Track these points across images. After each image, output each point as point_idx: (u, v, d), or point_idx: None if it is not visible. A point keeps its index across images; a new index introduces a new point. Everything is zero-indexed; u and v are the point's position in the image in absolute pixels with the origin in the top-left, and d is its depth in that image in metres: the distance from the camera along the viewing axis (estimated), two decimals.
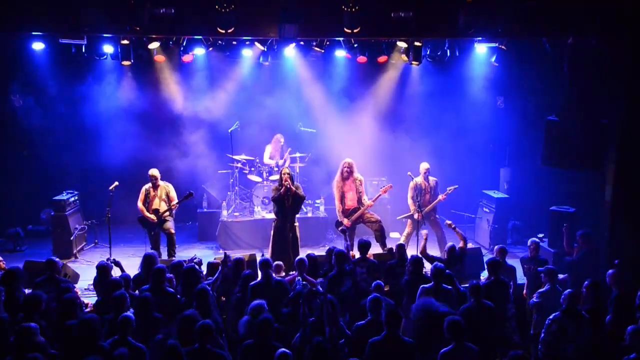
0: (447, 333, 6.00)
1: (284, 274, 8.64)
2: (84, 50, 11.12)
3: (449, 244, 9.23)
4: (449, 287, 7.57)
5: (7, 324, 6.34)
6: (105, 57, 11.50)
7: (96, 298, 8.07)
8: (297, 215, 10.62)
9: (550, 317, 7.03)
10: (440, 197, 11.20)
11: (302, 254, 9.47)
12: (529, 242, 9.31)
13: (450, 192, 11.19)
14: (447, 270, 7.79)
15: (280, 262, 8.77)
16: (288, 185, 10.08)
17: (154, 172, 10.91)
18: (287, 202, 10.16)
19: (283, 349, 5.71)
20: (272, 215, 12.16)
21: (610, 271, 8.04)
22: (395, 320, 6.17)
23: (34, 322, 6.24)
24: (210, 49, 11.69)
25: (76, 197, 12.34)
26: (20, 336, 5.85)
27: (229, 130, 12.65)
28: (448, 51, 11.81)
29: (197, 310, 6.61)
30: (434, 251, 11.11)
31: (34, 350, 5.71)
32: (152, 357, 6.11)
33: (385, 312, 6.29)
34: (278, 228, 10.31)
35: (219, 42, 11.61)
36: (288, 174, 10.27)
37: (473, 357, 6.02)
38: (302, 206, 11.59)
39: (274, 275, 7.81)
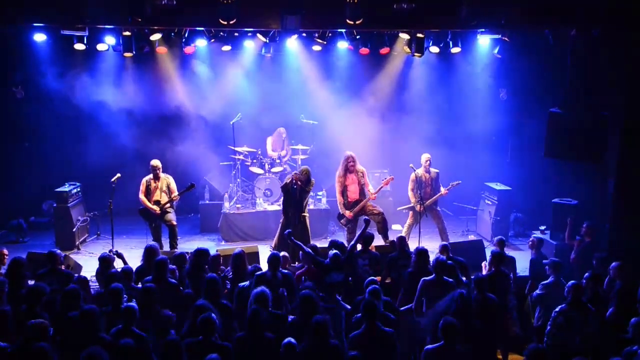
0: (440, 332, 5.94)
1: (288, 265, 8.65)
2: (85, 42, 11.09)
3: (443, 243, 9.24)
4: (450, 279, 7.55)
5: (10, 317, 6.35)
6: (107, 49, 11.49)
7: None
8: None
9: (557, 309, 7.01)
10: (442, 191, 11.19)
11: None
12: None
13: (452, 187, 11.21)
14: (449, 262, 7.80)
15: (286, 253, 8.77)
16: (296, 180, 10.17)
17: (155, 162, 10.91)
18: (296, 195, 10.21)
19: (289, 339, 5.72)
20: (273, 207, 12.24)
21: (614, 263, 8.02)
22: (372, 312, 6.18)
23: (36, 314, 6.26)
24: (212, 40, 11.67)
25: (78, 189, 12.35)
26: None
27: (231, 122, 12.64)
28: (451, 43, 11.78)
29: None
30: (435, 243, 11.14)
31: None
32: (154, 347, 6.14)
33: (362, 305, 6.29)
34: (285, 218, 10.34)
35: (221, 33, 11.59)
36: (305, 172, 10.23)
37: (461, 358, 5.96)
38: None
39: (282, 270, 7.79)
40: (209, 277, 7.00)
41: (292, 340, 5.78)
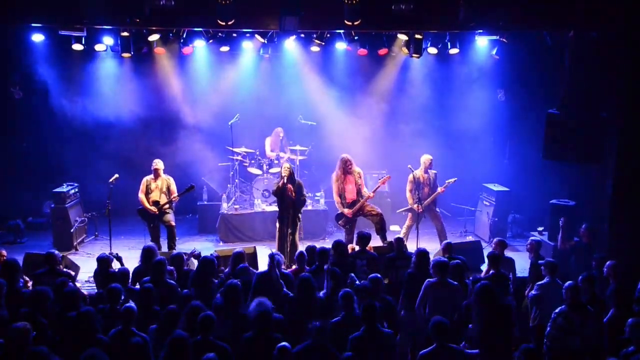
0: (431, 333, 5.95)
1: (284, 266, 8.65)
2: (83, 42, 11.08)
3: (446, 241, 9.23)
4: (455, 282, 7.50)
5: (8, 322, 6.33)
6: (105, 49, 11.47)
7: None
8: None
9: (556, 310, 7.00)
10: (439, 189, 11.18)
11: (302, 246, 9.51)
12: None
13: (448, 184, 11.19)
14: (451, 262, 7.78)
15: (281, 255, 8.76)
16: (284, 180, 10.15)
17: (158, 162, 10.88)
18: (288, 199, 10.22)
19: (284, 343, 5.70)
20: (271, 208, 12.23)
21: (608, 262, 8.02)
22: (371, 313, 6.16)
23: (37, 319, 6.23)
24: (211, 41, 11.68)
25: (76, 190, 12.33)
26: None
27: (229, 123, 12.62)
28: (449, 44, 11.79)
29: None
30: (434, 244, 11.15)
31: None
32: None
33: (362, 307, 6.25)
34: (278, 221, 10.36)
35: (219, 34, 11.59)
36: (288, 168, 10.31)
37: (456, 358, 5.95)
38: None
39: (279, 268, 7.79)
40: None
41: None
